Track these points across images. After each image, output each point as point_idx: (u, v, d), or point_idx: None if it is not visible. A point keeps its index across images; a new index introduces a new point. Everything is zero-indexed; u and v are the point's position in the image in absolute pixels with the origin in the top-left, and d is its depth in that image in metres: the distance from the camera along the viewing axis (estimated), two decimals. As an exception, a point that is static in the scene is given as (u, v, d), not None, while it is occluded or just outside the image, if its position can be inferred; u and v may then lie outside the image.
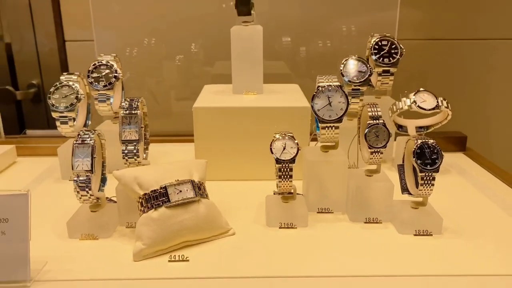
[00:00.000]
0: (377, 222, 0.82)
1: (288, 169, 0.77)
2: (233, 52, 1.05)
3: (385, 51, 1.03)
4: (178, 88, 1.48)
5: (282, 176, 0.78)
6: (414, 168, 0.80)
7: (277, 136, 0.80)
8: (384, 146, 0.78)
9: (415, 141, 0.77)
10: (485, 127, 1.60)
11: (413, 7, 1.47)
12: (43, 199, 0.93)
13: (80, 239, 0.77)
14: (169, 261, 0.70)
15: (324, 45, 1.40)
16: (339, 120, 0.79)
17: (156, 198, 0.73)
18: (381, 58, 1.03)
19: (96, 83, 0.98)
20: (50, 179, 1.04)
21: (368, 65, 0.97)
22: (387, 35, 1.05)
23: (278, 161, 0.77)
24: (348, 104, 0.79)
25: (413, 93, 0.99)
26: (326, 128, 0.80)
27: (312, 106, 0.80)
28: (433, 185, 0.76)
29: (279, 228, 0.80)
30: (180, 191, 0.74)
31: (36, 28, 1.70)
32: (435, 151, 0.76)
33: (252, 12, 1.02)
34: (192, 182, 0.76)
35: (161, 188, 0.73)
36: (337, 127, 0.80)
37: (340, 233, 0.79)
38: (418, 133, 1.04)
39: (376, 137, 0.78)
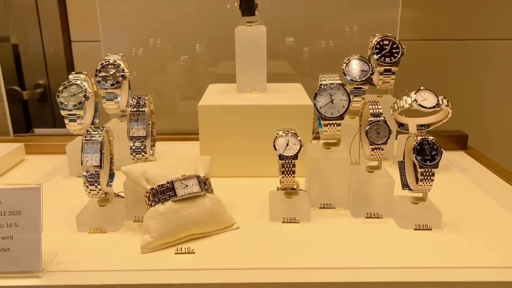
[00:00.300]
0: (378, 217, 0.84)
1: (291, 165, 0.79)
2: (237, 52, 1.07)
3: (387, 50, 1.05)
4: (182, 88, 1.50)
5: (285, 172, 0.80)
6: (414, 164, 0.82)
7: (280, 133, 0.82)
8: (385, 143, 0.80)
9: (415, 137, 0.79)
10: (485, 125, 1.61)
11: (414, 7, 1.48)
12: (52, 195, 0.96)
13: (89, 232, 0.79)
14: (175, 253, 0.72)
15: (327, 45, 1.42)
16: (341, 117, 0.81)
17: (163, 193, 0.75)
18: (383, 58, 1.05)
19: (104, 82, 1.00)
20: (58, 175, 1.06)
21: (370, 64, 0.99)
22: (388, 35, 1.07)
23: (281, 157, 0.79)
24: (350, 101, 0.81)
25: (414, 92, 1.00)
26: (328, 125, 0.82)
27: (314, 104, 0.82)
28: (432, 180, 0.78)
29: (282, 222, 0.82)
30: (186, 185, 0.76)
31: (42, 29, 1.72)
32: (435, 148, 0.78)
33: (256, 12, 1.04)
34: (198, 177, 0.78)
35: (168, 182, 0.75)
36: (339, 124, 0.82)
37: (342, 228, 0.81)
38: (419, 131, 1.06)
39: (377, 134, 0.80)
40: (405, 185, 0.82)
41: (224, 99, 1.05)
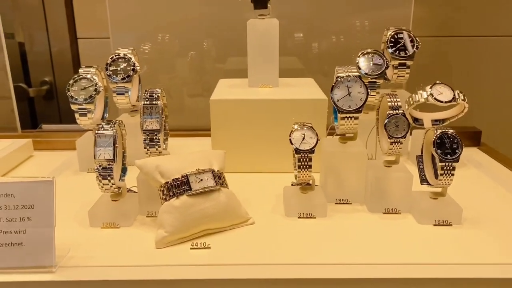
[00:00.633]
0: (395, 213, 0.82)
1: (308, 159, 0.78)
2: (249, 46, 1.05)
3: (401, 44, 1.03)
4: (190, 84, 1.49)
5: (302, 167, 0.78)
6: (433, 159, 0.80)
7: (296, 126, 0.80)
8: (404, 136, 0.78)
9: (435, 131, 0.77)
10: (499, 122, 1.59)
11: (427, 4, 1.47)
12: (63, 190, 0.93)
13: (102, 227, 0.77)
14: (191, 248, 0.71)
15: (338, 41, 1.41)
16: (359, 110, 0.80)
17: (178, 187, 0.73)
18: (397, 51, 1.03)
19: (114, 76, 0.99)
20: (68, 171, 1.05)
21: (384, 58, 0.97)
22: (403, 28, 1.05)
23: (297, 151, 0.78)
24: (367, 94, 0.80)
25: (429, 86, 0.98)
26: (346, 119, 0.80)
27: (331, 97, 0.80)
28: (453, 175, 0.76)
29: (298, 218, 0.81)
30: (201, 180, 0.74)
31: (48, 26, 1.71)
32: (455, 141, 0.76)
33: (268, 5, 1.03)
34: (213, 171, 0.76)
35: (182, 176, 0.74)
36: (356, 118, 0.80)
37: (359, 223, 0.79)
38: (434, 126, 1.04)
39: (396, 127, 0.78)
40: (423, 180, 0.80)
41: (237, 93, 1.03)
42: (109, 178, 0.75)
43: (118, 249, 0.71)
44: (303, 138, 0.78)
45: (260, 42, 1.05)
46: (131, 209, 0.79)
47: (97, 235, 0.75)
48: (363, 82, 0.80)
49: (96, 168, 0.75)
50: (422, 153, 0.83)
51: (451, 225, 0.77)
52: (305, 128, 0.80)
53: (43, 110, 1.80)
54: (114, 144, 0.75)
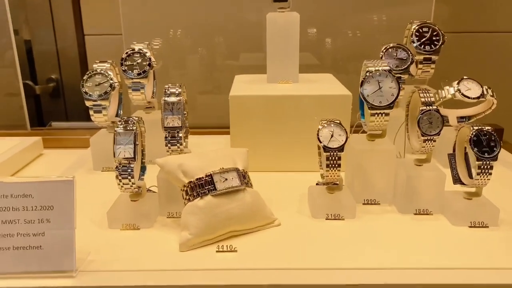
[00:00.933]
0: (427, 214, 0.78)
1: (337, 158, 0.74)
2: (269, 40, 1.02)
3: (426, 38, 0.99)
4: (201, 81, 1.45)
5: (330, 165, 0.74)
6: (466, 157, 0.76)
7: (323, 123, 0.76)
8: (438, 134, 0.75)
9: (471, 128, 0.74)
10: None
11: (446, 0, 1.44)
12: (78, 190, 0.90)
13: (121, 229, 0.74)
14: (217, 251, 0.67)
15: (354, 36, 1.37)
16: (390, 106, 0.76)
17: (202, 186, 0.70)
18: (422, 45, 0.99)
19: (130, 71, 0.95)
20: (81, 170, 1.01)
21: (409, 52, 0.94)
22: (427, 21, 1.01)
23: (326, 149, 0.74)
24: (399, 89, 0.76)
25: (456, 82, 0.95)
26: (376, 115, 0.77)
27: (361, 92, 0.77)
28: (490, 174, 0.72)
29: (326, 219, 0.77)
30: (226, 179, 0.71)
31: (55, 22, 1.68)
32: (493, 139, 0.73)
33: (288, -2, 0.99)
34: (237, 170, 0.73)
35: (206, 176, 0.70)
36: (387, 114, 0.76)
37: (391, 225, 0.76)
38: (460, 123, 1.00)
39: (430, 124, 0.75)
40: (456, 180, 0.77)
41: (256, 89, 0.99)
42: (129, 177, 0.71)
43: (140, 252, 0.67)
44: (332, 136, 0.75)
45: (280, 36, 1.01)
46: (151, 209, 0.76)
47: (117, 237, 0.72)
48: (394, 77, 0.76)
49: (115, 167, 0.71)
50: (454, 151, 0.79)
51: (488, 227, 0.74)
52: (333, 125, 0.76)
53: (49, 107, 1.77)
54: (134, 142, 0.72)
